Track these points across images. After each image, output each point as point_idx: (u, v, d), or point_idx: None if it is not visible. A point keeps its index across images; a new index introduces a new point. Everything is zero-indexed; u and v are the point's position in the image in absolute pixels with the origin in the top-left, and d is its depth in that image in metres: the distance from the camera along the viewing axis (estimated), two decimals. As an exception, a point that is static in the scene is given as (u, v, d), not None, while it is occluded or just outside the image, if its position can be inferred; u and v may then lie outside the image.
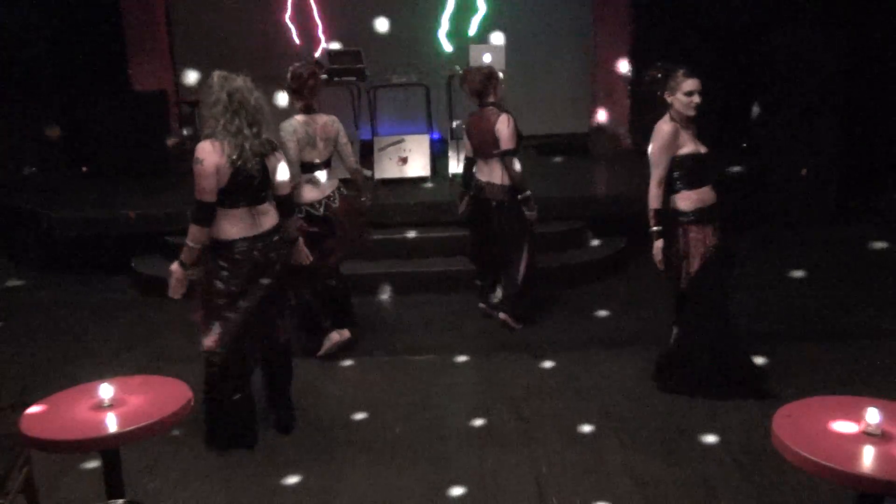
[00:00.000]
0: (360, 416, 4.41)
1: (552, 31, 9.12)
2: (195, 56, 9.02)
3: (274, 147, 3.87)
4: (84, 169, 8.31)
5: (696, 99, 4.21)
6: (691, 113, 4.25)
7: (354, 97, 8.22)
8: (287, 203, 4.02)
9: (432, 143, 7.82)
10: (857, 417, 2.55)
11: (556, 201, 6.90)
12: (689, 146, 4.29)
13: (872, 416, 2.51)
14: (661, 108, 4.33)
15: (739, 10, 8.09)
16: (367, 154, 7.74)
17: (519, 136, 5.29)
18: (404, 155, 7.57)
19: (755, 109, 7.85)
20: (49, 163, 8.47)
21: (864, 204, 8.06)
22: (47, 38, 8.41)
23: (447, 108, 7.83)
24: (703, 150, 4.34)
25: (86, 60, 8.30)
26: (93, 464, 3.72)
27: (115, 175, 7.95)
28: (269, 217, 3.89)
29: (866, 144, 8.06)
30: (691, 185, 4.29)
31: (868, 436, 2.49)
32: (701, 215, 4.28)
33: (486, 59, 7.56)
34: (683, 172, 4.29)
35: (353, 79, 7.92)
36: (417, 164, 7.55)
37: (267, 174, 3.82)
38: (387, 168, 7.56)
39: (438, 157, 7.96)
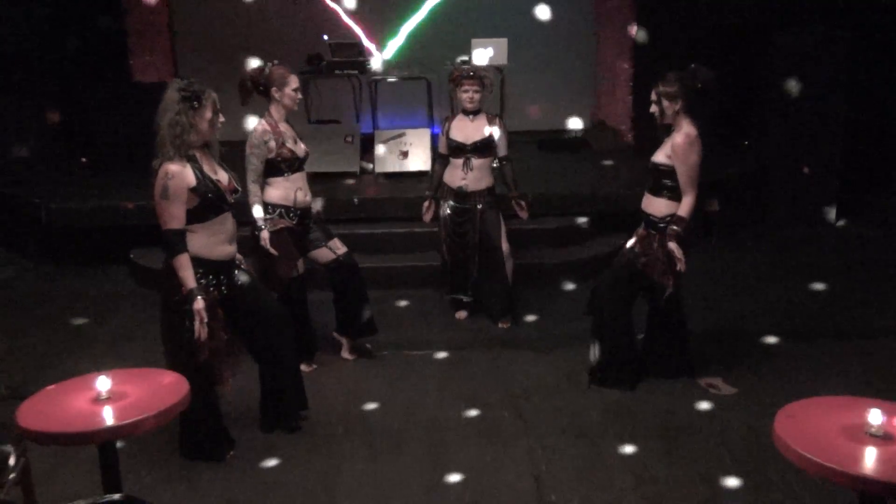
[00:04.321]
0: (357, 410, 4.40)
1: (554, 25, 9.09)
2: (197, 47, 9.01)
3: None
4: (84, 160, 8.27)
5: (651, 108, 4.33)
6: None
7: (356, 90, 8.19)
8: None
9: (433, 137, 7.79)
10: (860, 418, 2.53)
11: (557, 197, 6.87)
12: (658, 153, 4.35)
13: (875, 416, 2.50)
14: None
15: (742, 10, 8.07)
16: (368, 147, 7.74)
17: (448, 143, 5.34)
18: (405, 149, 7.55)
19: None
20: (48, 153, 8.44)
21: (866, 202, 8.06)
22: (48, 27, 8.36)
23: (449, 102, 7.80)
24: (656, 158, 4.34)
25: (86, 50, 8.26)
26: (90, 456, 3.70)
27: (115, 166, 7.91)
28: None
29: (868, 143, 8.05)
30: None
31: (870, 436, 2.47)
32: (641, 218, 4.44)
33: (489, 53, 7.55)
34: None
35: (355, 72, 7.90)
36: (418, 159, 7.53)
37: None
38: (387, 162, 7.55)
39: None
